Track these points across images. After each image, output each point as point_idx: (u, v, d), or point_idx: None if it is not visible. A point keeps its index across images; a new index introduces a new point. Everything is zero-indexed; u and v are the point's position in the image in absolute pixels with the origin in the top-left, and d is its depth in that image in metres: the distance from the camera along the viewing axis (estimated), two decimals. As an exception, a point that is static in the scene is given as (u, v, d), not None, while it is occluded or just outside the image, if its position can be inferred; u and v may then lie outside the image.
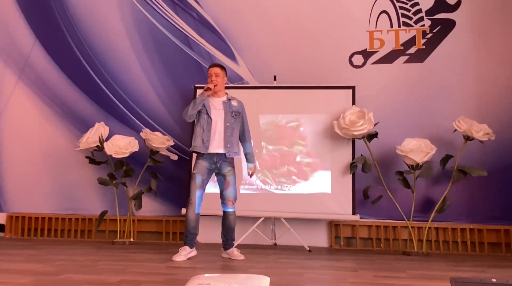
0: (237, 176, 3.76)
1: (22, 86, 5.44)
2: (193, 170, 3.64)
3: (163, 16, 5.34)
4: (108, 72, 5.34)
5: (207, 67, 5.04)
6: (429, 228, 4.46)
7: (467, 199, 4.60)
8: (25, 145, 5.33)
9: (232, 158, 3.68)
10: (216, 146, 3.60)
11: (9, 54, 5.51)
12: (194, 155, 3.84)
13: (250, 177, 3.94)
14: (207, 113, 3.62)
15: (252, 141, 3.91)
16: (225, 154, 3.60)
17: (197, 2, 5.31)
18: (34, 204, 5.23)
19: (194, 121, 3.72)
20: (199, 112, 3.64)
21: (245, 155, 3.83)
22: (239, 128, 3.73)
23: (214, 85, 3.62)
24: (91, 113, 5.27)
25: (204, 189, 3.63)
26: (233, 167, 3.68)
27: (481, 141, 4.30)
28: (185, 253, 3.50)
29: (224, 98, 3.71)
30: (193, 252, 3.58)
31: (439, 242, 4.60)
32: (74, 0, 5.49)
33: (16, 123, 5.40)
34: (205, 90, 3.60)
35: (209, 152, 3.59)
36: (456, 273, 3.08)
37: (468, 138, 4.33)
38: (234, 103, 3.71)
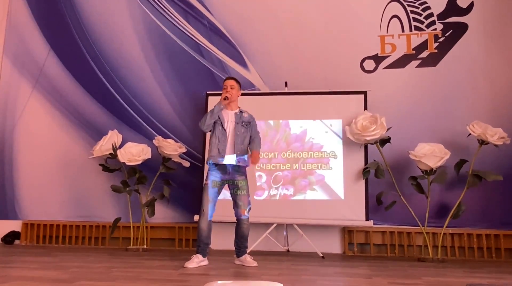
0: (250, 184, 3.75)
1: (37, 95, 5.53)
2: (205, 180, 3.67)
3: (174, 25, 5.39)
4: (121, 80, 5.40)
5: (219, 74, 5.14)
6: (444, 234, 4.40)
7: (483, 204, 4.54)
8: (39, 153, 5.40)
9: (244, 168, 3.70)
10: (229, 156, 3.63)
11: (24, 64, 5.61)
12: (207, 165, 3.85)
13: (251, 162, 3.66)
14: (222, 125, 3.67)
15: (261, 143, 3.82)
16: (237, 163, 3.63)
17: (208, 10, 5.35)
18: (48, 211, 5.29)
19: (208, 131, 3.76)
20: (214, 123, 3.68)
21: (250, 145, 3.71)
22: (249, 139, 3.74)
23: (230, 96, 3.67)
24: (105, 121, 5.33)
25: (216, 199, 3.65)
26: (245, 175, 3.69)
27: (496, 145, 4.24)
28: (197, 260, 3.50)
29: (236, 110, 3.76)
30: (205, 262, 3.58)
31: (454, 248, 4.54)
32: (87, 10, 5.58)
33: (31, 132, 5.48)
34: (224, 99, 3.63)
35: (224, 162, 3.62)
36: (472, 280, 3.03)
37: (482, 142, 4.27)
38: (245, 115, 3.77)
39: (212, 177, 3.63)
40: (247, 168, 3.75)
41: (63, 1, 5.65)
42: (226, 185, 3.71)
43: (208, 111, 3.88)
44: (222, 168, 3.64)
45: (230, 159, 3.63)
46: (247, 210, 3.64)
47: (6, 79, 5.62)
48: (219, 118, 3.68)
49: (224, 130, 3.66)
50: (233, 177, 3.65)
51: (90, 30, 5.55)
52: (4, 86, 5.61)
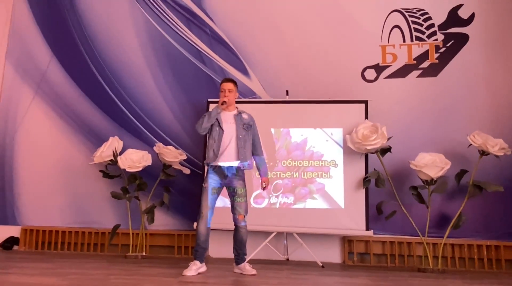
0: (248, 190, 3.75)
1: (38, 101, 5.55)
2: (204, 183, 3.65)
3: (176, 32, 5.42)
4: (122, 87, 5.42)
5: (220, 81, 5.12)
6: (445, 244, 4.38)
7: (483, 215, 4.53)
8: (40, 158, 5.40)
9: (243, 172, 3.68)
10: (228, 158, 3.61)
11: (26, 69, 5.64)
12: (206, 168, 3.85)
13: (263, 190, 3.87)
14: (219, 126, 3.66)
15: (264, 154, 3.90)
16: (237, 167, 3.61)
17: (210, 18, 5.38)
18: (48, 217, 5.28)
19: (206, 135, 3.76)
20: (212, 125, 3.67)
21: (258, 169, 3.80)
22: (251, 141, 3.74)
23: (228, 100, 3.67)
24: (106, 127, 5.34)
25: (214, 204, 3.64)
26: (243, 180, 3.68)
27: (496, 156, 4.24)
28: (195, 268, 3.48)
29: (235, 111, 3.75)
30: (203, 268, 3.56)
31: (455, 258, 4.52)
32: (90, 17, 5.62)
33: (32, 137, 5.49)
34: (221, 104, 3.63)
35: (219, 164, 3.60)
36: (473, 291, 3.02)
37: (483, 152, 4.27)
38: (244, 116, 3.74)
39: (211, 182, 3.60)
40: (246, 173, 3.73)
41: (66, 7, 5.68)
42: (225, 189, 3.70)
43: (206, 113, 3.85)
44: (220, 172, 3.62)
45: (228, 162, 3.59)
46: (245, 215, 3.62)
47: (8, 85, 5.64)
48: (216, 119, 3.66)
49: (222, 130, 3.64)
50: (231, 183, 3.63)
51: (93, 36, 5.58)
52: (6, 91, 5.62)
